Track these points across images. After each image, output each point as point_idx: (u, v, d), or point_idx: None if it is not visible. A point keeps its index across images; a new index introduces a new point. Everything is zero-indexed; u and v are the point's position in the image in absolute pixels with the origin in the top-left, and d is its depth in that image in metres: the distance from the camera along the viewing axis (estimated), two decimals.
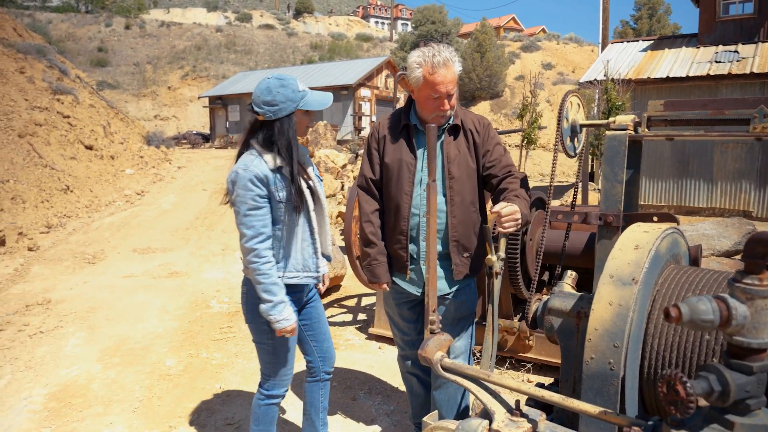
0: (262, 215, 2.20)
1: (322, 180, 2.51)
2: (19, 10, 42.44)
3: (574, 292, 2.13)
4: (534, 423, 1.48)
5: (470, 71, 32.71)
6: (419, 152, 2.39)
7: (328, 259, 2.57)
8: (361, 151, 2.52)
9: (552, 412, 1.99)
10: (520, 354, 3.93)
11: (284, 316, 2.24)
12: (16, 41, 13.55)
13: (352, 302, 5.70)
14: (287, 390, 2.54)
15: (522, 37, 41.59)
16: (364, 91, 28.10)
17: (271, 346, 2.38)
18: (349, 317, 5.25)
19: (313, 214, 2.37)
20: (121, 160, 13.56)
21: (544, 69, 35.67)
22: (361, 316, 5.23)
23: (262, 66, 41.70)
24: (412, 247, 2.42)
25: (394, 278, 2.54)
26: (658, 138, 2.16)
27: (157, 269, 6.84)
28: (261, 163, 2.21)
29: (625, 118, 2.19)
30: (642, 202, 11.56)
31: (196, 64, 40.51)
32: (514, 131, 10.32)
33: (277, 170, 2.23)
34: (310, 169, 2.43)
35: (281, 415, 3.37)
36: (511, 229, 2.15)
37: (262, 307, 2.24)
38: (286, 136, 2.23)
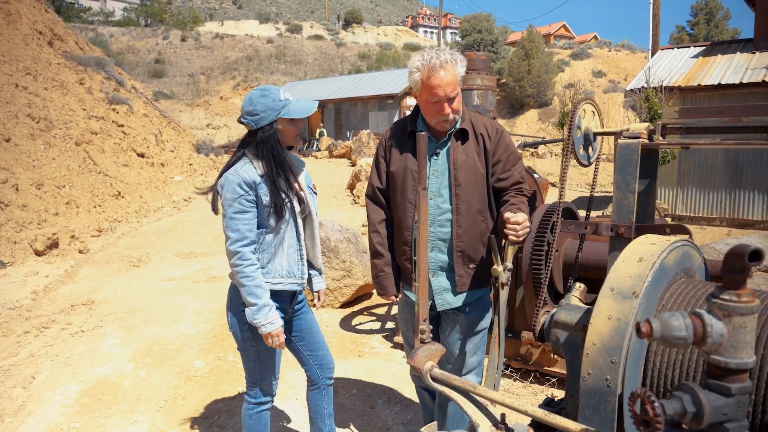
0: (248, 219, 2.24)
1: (316, 194, 2.52)
2: (84, 24, 44.88)
3: (582, 305, 2.07)
4: None
5: (518, 79, 32.30)
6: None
7: (319, 272, 2.57)
8: None
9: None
10: (546, 368, 3.84)
11: (269, 319, 2.24)
12: (77, 54, 14.28)
13: (382, 310, 5.69)
14: (275, 395, 2.54)
15: (572, 45, 40.82)
16: (410, 100, 28.17)
17: (255, 353, 2.38)
18: (377, 325, 5.25)
19: (300, 221, 2.38)
20: (170, 167, 14.04)
21: (594, 77, 34.83)
22: (390, 325, 5.22)
23: (311, 76, 42.48)
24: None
25: (404, 290, 2.52)
26: (673, 146, 2.08)
27: (197, 273, 7.04)
28: (250, 168, 2.26)
29: (639, 126, 2.11)
30: (692, 214, 11.09)
31: (247, 75, 41.66)
32: (556, 141, 10.12)
33: (265, 176, 2.27)
34: (302, 180, 2.45)
35: (290, 425, 3.39)
36: (522, 238, 2.10)
37: (247, 311, 2.25)
38: (268, 144, 2.27)
